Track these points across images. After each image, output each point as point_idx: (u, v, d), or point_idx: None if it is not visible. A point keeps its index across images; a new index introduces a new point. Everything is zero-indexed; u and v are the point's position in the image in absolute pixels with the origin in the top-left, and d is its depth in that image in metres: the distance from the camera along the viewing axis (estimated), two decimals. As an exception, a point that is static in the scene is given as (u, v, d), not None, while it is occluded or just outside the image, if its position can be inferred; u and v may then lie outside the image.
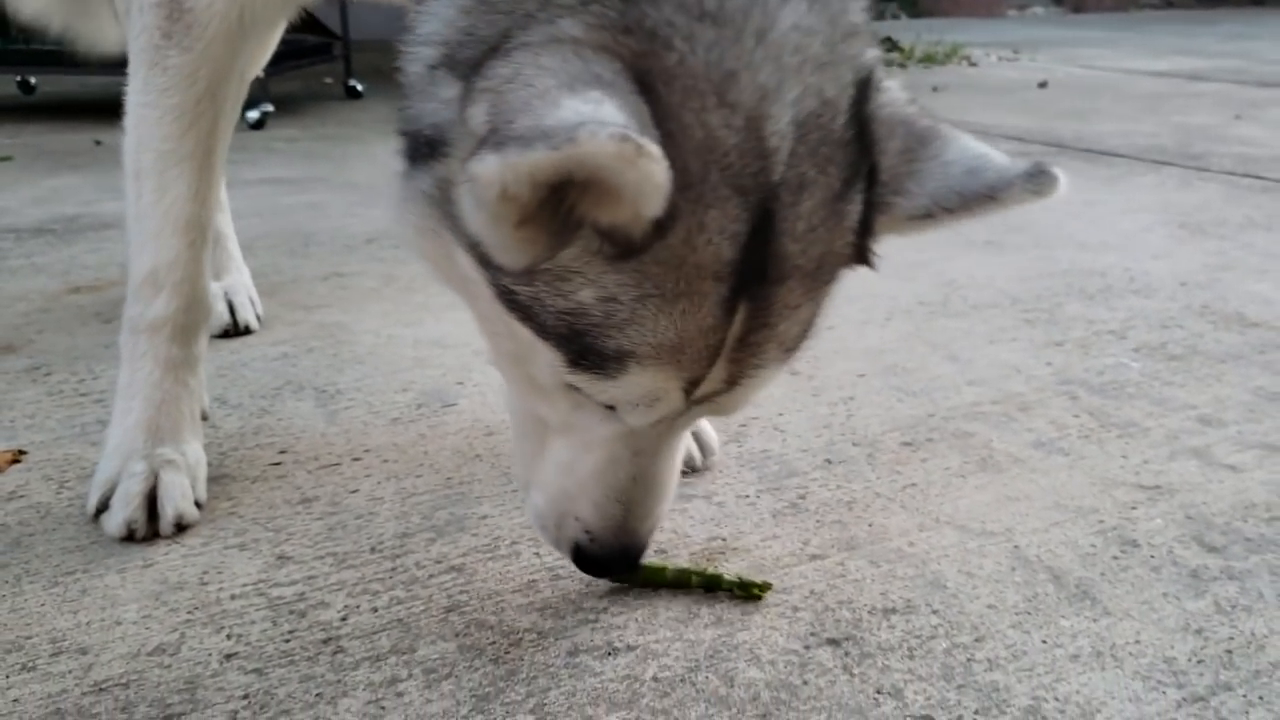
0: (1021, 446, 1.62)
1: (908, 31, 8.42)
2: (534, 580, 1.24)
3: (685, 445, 1.19)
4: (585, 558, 1.08)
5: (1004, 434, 1.66)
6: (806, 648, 1.13)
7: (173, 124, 1.36)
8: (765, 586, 1.20)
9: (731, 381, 0.96)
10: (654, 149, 0.74)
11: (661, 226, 0.83)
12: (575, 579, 1.24)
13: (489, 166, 0.77)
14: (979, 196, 0.95)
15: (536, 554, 1.30)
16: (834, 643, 1.14)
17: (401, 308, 2.23)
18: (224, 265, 2.11)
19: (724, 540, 1.34)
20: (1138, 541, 1.35)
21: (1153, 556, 1.32)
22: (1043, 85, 5.85)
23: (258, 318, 2.10)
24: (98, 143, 3.90)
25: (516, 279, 0.90)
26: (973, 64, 7.05)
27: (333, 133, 4.53)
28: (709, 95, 0.85)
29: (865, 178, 0.95)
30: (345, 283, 2.40)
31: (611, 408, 0.99)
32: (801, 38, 0.90)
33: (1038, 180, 0.94)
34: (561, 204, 0.83)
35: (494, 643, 1.13)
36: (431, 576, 1.25)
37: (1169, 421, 1.71)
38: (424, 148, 0.95)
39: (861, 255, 0.98)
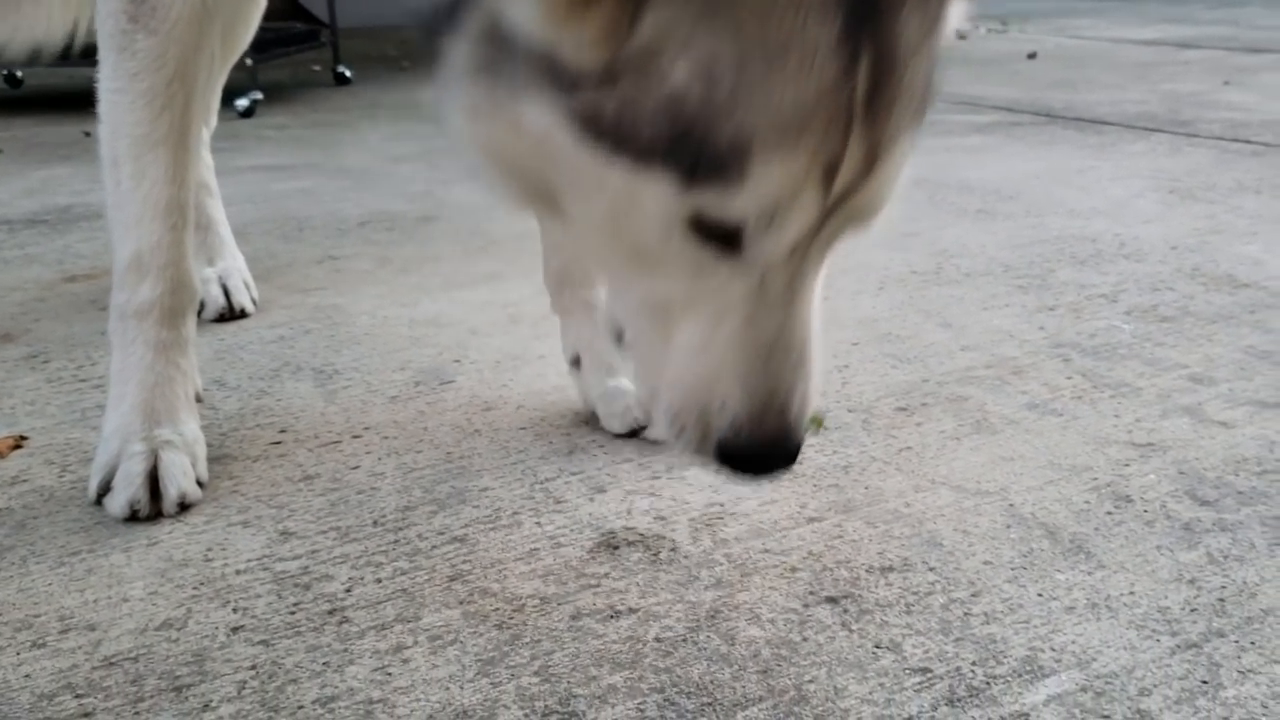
0: (1015, 409, 1.63)
1: (896, 6, 8.41)
2: (536, 549, 1.26)
3: (818, 304, 1.00)
4: (735, 454, 0.93)
5: (998, 397, 1.68)
6: (805, 606, 1.14)
7: (145, 108, 1.35)
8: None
9: (870, 159, 0.84)
10: None
11: None
12: (577, 545, 1.26)
13: None
14: None
15: (538, 523, 1.31)
16: (832, 600, 1.15)
17: (396, 289, 2.24)
18: (217, 251, 2.12)
19: (722, 506, 1.35)
20: (1131, 497, 1.37)
21: (1146, 511, 1.33)
22: (1032, 56, 5.85)
23: (253, 301, 2.11)
24: (86, 134, 3.90)
25: (600, 88, 0.81)
26: (962, 36, 7.03)
27: (323, 119, 4.53)
28: None
29: None
30: (340, 265, 2.41)
31: (738, 241, 0.86)
32: None
33: None
34: None
35: (497, 609, 1.15)
36: (434, 548, 1.26)
37: (1161, 381, 1.72)
38: (445, 14, 0.89)
39: None
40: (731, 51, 0.77)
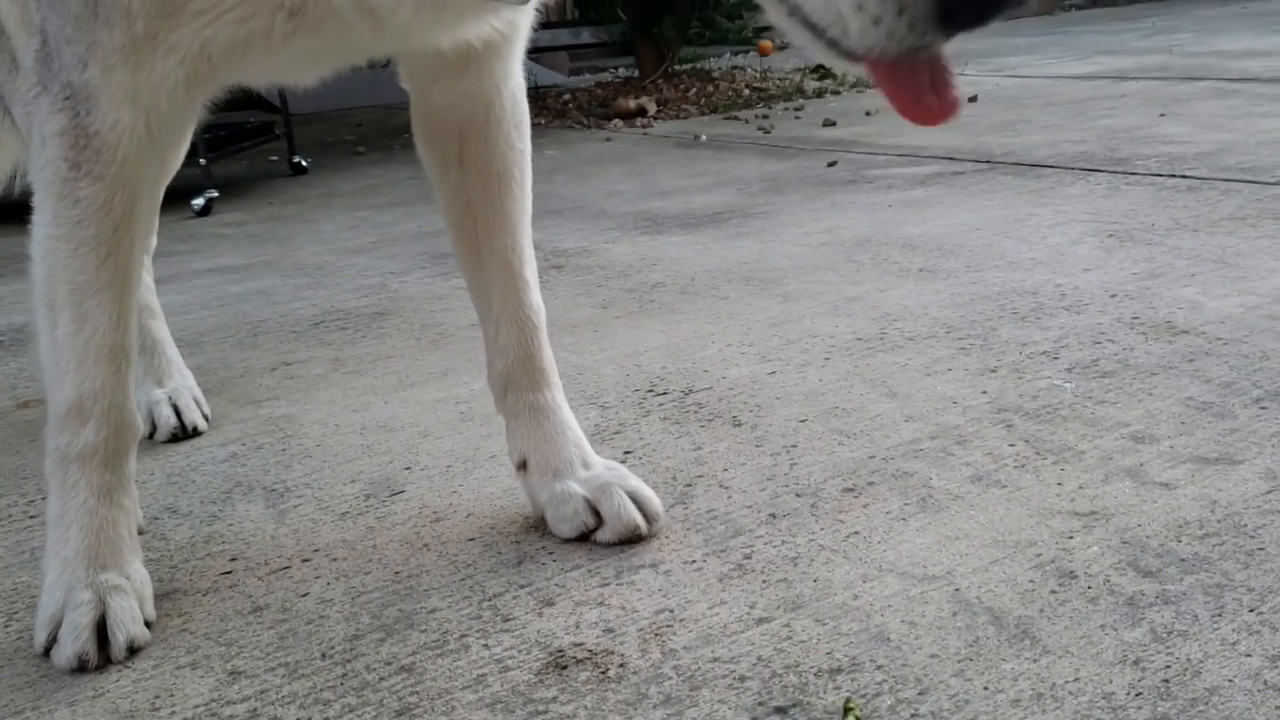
0: (960, 482, 1.65)
1: (839, 54, 8.53)
2: (483, 674, 1.25)
3: None
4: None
5: (943, 470, 1.69)
6: (755, 719, 1.15)
7: (89, 255, 1.31)
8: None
9: None
10: None
11: None
12: (525, 668, 1.26)
13: None
14: None
15: (485, 645, 1.31)
16: (781, 711, 1.16)
17: (349, 393, 2.25)
18: (165, 371, 2.12)
19: (671, 612, 1.36)
20: (1075, 572, 1.38)
21: (1090, 587, 1.34)
22: (973, 99, 5.95)
23: (205, 418, 2.11)
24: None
25: None
26: (904, 82, 7.14)
27: (279, 212, 4.55)
28: None
29: None
30: (293, 371, 2.41)
31: None
32: None
33: None
34: None
35: (447, 743, 1.14)
36: (382, 680, 1.26)
37: (1103, 442, 1.75)
38: None
39: None
40: None
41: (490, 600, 1.41)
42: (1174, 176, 3.68)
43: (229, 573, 1.55)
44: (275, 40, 1.22)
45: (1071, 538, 1.47)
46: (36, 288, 1.37)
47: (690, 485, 1.71)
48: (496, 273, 1.58)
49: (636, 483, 1.58)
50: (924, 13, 0.78)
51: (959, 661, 1.22)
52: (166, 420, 2.05)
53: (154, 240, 2.22)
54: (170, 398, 2.08)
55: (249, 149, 5.36)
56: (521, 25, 1.46)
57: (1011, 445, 1.76)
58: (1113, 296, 2.48)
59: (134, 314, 1.41)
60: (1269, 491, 1.55)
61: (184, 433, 2.06)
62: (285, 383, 2.34)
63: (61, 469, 1.42)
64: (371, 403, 2.19)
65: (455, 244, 1.61)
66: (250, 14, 1.20)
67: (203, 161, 4.54)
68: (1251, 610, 1.27)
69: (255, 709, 1.22)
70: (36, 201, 1.35)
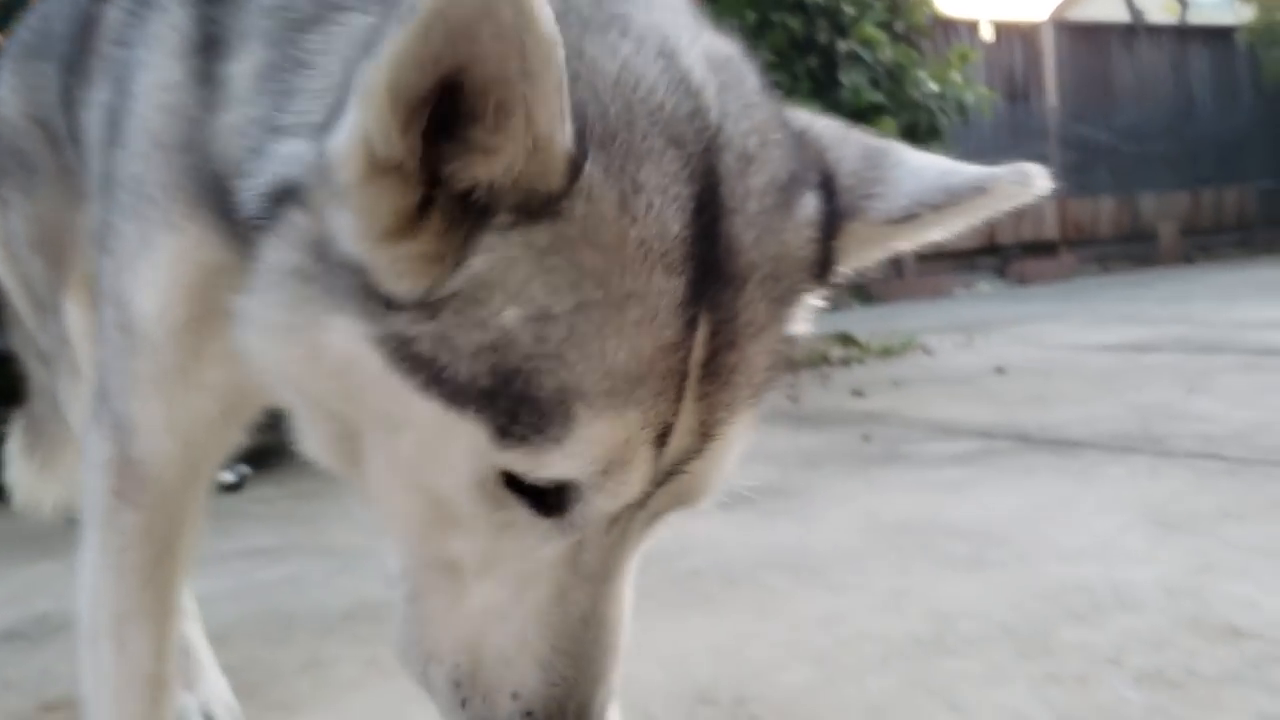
0: (1037, 815, 1.55)
1: (862, 322, 8.73)
2: None
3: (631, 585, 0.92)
4: None
5: (1017, 801, 1.60)
6: None
7: (129, 582, 1.32)
8: None
9: (705, 433, 0.80)
10: None
11: (585, 181, 0.70)
12: None
13: (343, 129, 0.68)
14: (969, 190, 0.88)
15: None
16: None
17: (386, 697, 2.17)
18: (196, 676, 2.07)
19: None
20: None
21: None
22: (1000, 371, 6.03)
23: (236, 726, 2.04)
24: (70, 520, 3.90)
25: (416, 317, 0.75)
26: (928, 353, 7.28)
27: (308, 488, 4.54)
28: (610, 28, 0.76)
29: (820, 184, 0.87)
30: (325, 674, 2.34)
31: (552, 505, 0.79)
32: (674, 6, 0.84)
33: (1021, 175, 0.89)
34: (460, 202, 0.72)
35: None
36: None
37: (1182, 767, 1.65)
38: (266, 204, 0.85)
39: (824, 266, 0.87)
40: (569, 302, 0.73)
41: None
42: (1212, 458, 3.66)
43: None
44: None
45: None
46: (83, 615, 1.40)
47: (747, 814, 1.61)
48: None
49: None
50: None
51: None
52: (198, 731, 1.98)
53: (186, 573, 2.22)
54: (202, 708, 2.01)
55: (278, 419, 5.42)
56: None
57: (1086, 771, 1.67)
58: (1168, 593, 2.42)
59: (175, 643, 1.40)
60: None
61: (215, 746, 1.99)
62: (318, 687, 2.27)
63: (93, 806, 1.36)
64: (406, 708, 2.10)
65: None
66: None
67: (237, 437, 4.58)
68: None
69: None
70: (84, 528, 1.38)
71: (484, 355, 0.74)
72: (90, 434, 1.35)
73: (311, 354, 0.82)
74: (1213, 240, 15.02)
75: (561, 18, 0.69)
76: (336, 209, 0.76)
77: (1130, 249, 14.33)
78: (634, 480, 0.79)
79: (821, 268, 0.89)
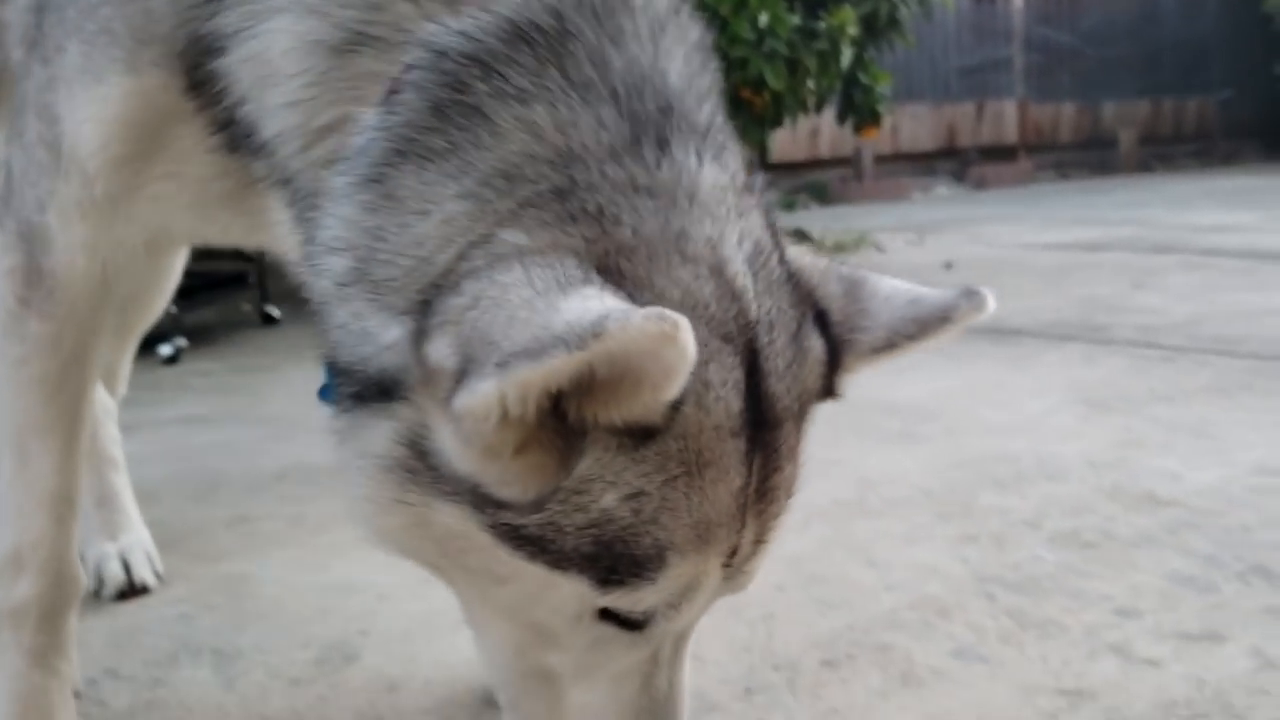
0: (941, 656, 1.58)
1: (819, 220, 8.70)
2: None
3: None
4: None
5: (924, 644, 1.63)
6: None
7: (33, 394, 1.28)
8: None
9: (759, 540, 0.96)
10: (684, 321, 0.73)
11: (677, 400, 0.83)
12: None
13: (480, 395, 0.75)
14: (935, 320, 1.04)
15: (436, 829, 1.22)
16: None
17: (308, 551, 2.17)
18: (120, 526, 2.04)
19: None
20: (1062, 757, 1.31)
21: (1078, 774, 1.27)
22: (948, 266, 6.04)
23: (156, 575, 2.02)
24: None
25: (523, 511, 0.87)
26: (880, 250, 7.28)
27: (249, 363, 4.51)
28: (672, 255, 0.89)
29: (816, 319, 1.02)
30: (251, 528, 2.33)
31: (641, 624, 0.95)
32: (721, 193, 0.95)
33: (974, 299, 1.04)
34: (562, 418, 0.82)
35: None
36: None
37: (1086, 616, 1.69)
38: (372, 392, 0.92)
39: (829, 389, 1.04)
40: (659, 479, 0.85)
41: (443, 779, 1.33)
42: (1150, 346, 3.70)
43: (167, 743, 1.45)
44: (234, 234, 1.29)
45: (1056, 718, 1.40)
46: None
47: (660, 655, 1.63)
48: None
49: None
50: None
51: None
52: (115, 576, 1.96)
53: (123, 388, 2.18)
54: (121, 553, 1.99)
55: (220, 298, 5.34)
56: None
57: (993, 618, 1.70)
58: (1092, 465, 2.45)
59: (80, 460, 1.36)
60: (1256, 670, 1.49)
61: (132, 590, 1.97)
62: (243, 539, 2.26)
63: (-8, 627, 1.35)
64: (330, 562, 2.11)
65: None
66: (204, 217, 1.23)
67: (172, 309, 4.51)
68: (1250, 803, 1.20)
69: None
70: None
71: (588, 531, 0.86)
72: None
73: (418, 524, 0.92)
74: (1172, 150, 15.04)
75: (632, 252, 0.86)
76: (443, 422, 0.84)
77: (1090, 156, 14.33)
78: (709, 593, 0.95)
79: (826, 392, 1.04)
